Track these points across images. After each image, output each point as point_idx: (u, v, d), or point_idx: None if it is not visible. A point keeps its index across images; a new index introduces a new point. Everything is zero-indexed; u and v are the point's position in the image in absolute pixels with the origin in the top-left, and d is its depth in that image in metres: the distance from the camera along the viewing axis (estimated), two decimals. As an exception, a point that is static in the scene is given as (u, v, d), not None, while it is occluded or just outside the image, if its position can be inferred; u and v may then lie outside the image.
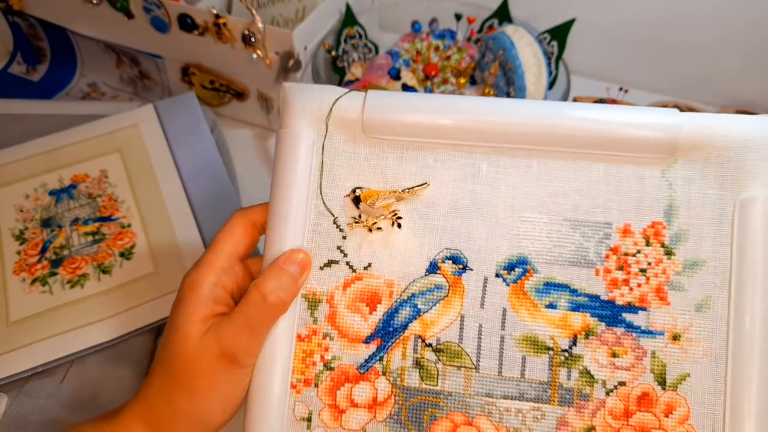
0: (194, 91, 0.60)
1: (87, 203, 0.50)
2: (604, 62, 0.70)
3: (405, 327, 0.32)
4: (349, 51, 0.61)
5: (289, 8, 0.63)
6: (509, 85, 0.52)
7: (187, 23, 0.55)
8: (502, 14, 0.61)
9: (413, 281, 0.32)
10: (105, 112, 0.55)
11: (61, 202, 0.50)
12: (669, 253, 0.31)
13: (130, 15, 0.58)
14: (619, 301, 0.31)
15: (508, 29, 0.53)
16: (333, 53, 0.59)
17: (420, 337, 0.32)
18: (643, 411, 0.30)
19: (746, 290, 0.29)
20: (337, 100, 0.33)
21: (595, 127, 0.30)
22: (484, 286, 0.32)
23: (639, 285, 0.31)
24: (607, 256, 0.31)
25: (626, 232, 0.31)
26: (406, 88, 0.54)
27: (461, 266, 0.32)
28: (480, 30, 0.62)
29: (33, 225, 0.48)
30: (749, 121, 0.30)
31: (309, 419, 0.32)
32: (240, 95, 0.62)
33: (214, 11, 0.53)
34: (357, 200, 0.32)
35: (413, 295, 0.32)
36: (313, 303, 0.32)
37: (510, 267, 0.32)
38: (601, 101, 0.65)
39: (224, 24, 0.53)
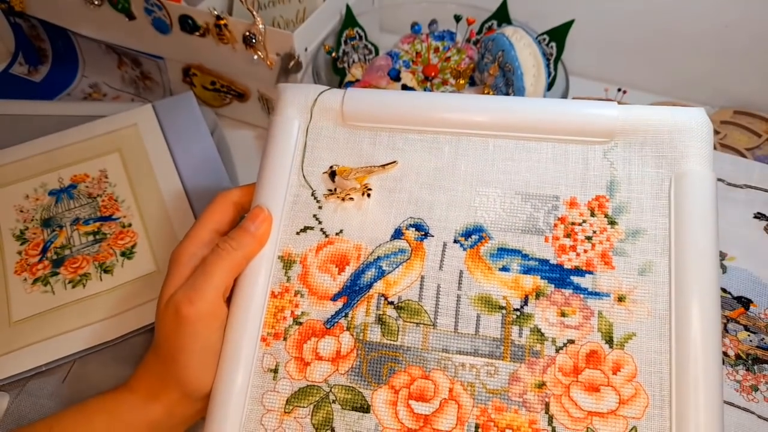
0: (194, 91, 0.60)
1: (87, 203, 0.50)
2: (602, 63, 0.70)
3: (370, 286, 0.35)
4: (350, 52, 0.61)
5: (289, 10, 0.63)
6: (508, 86, 0.52)
7: (188, 24, 0.55)
8: (501, 16, 0.61)
9: (379, 245, 0.35)
10: (106, 112, 0.55)
11: (61, 202, 0.50)
12: (612, 222, 0.34)
13: (131, 16, 0.58)
14: (567, 265, 0.34)
15: (507, 30, 0.53)
16: (333, 54, 0.59)
17: (383, 295, 0.34)
18: (592, 368, 0.32)
19: (685, 256, 0.32)
20: (321, 93, 0.38)
21: (544, 115, 0.35)
22: (443, 251, 0.35)
23: (585, 251, 0.34)
24: (555, 225, 0.34)
25: (573, 204, 0.35)
26: (405, 89, 0.54)
27: (423, 233, 0.35)
28: (479, 31, 0.62)
29: (33, 225, 0.49)
30: (680, 110, 0.35)
31: (275, 370, 0.34)
32: (241, 96, 0.62)
33: (215, 12, 0.53)
34: (332, 175, 0.37)
35: (379, 257, 0.35)
36: (287, 263, 0.36)
37: (467, 234, 0.35)
38: (600, 102, 0.65)
39: (225, 25, 0.54)
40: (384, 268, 0.35)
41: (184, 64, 0.62)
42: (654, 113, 0.35)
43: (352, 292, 0.35)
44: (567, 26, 0.56)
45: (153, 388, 0.33)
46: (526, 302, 0.33)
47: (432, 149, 0.37)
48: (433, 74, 0.56)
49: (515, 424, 0.31)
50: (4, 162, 0.51)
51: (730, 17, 0.61)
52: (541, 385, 0.32)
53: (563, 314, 0.33)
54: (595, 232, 0.34)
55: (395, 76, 0.54)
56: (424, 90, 0.56)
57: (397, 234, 0.35)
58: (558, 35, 0.56)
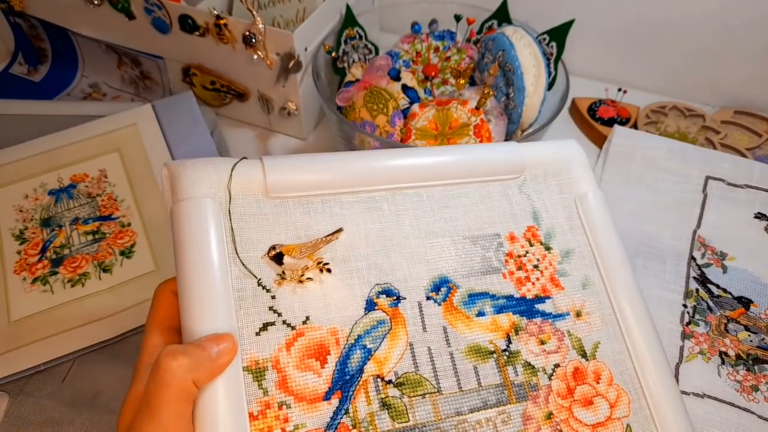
0: (194, 91, 0.60)
1: (87, 202, 0.50)
2: (603, 63, 0.70)
3: (361, 370, 0.31)
4: (350, 52, 0.61)
5: (289, 9, 0.63)
6: (508, 86, 0.52)
7: (188, 24, 0.55)
8: (502, 15, 0.61)
9: (356, 323, 0.32)
10: (106, 112, 0.55)
11: (61, 201, 0.50)
12: (548, 248, 0.37)
13: (131, 16, 0.58)
14: (528, 296, 0.35)
15: (508, 30, 0.53)
16: (333, 54, 0.59)
17: (378, 376, 0.31)
18: (580, 384, 0.34)
19: (608, 264, 0.37)
20: (235, 165, 0.33)
21: (459, 162, 0.37)
22: (420, 310, 0.33)
23: (537, 279, 0.36)
24: (506, 261, 0.36)
25: (513, 238, 0.37)
26: (406, 88, 0.54)
27: (395, 297, 0.33)
28: (479, 31, 0.62)
29: (33, 225, 0.49)
30: (558, 144, 0.40)
31: None
32: (241, 96, 0.62)
33: (215, 12, 0.53)
34: (278, 257, 0.32)
35: (359, 336, 0.32)
36: (257, 373, 0.29)
37: (436, 288, 0.34)
38: (599, 102, 0.65)
39: (225, 25, 0.54)
40: (368, 346, 0.31)
41: (184, 64, 0.61)
42: (544, 148, 0.40)
43: (345, 383, 0.30)
44: (567, 26, 0.56)
45: None
46: (509, 340, 0.34)
47: (371, 209, 0.35)
48: (433, 74, 0.56)
49: None
50: (3, 162, 0.51)
51: (730, 18, 0.61)
52: (549, 416, 0.32)
53: (542, 342, 0.34)
54: (539, 260, 0.37)
55: (395, 76, 0.54)
56: (425, 90, 0.56)
57: (370, 305, 0.32)
58: (558, 35, 0.56)
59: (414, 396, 0.31)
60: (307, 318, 0.31)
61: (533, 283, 0.36)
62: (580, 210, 0.38)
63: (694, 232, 0.51)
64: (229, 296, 0.30)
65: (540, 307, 0.35)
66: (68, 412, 0.40)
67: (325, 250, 0.33)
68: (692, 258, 0.50)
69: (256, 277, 0.31)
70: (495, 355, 0.33)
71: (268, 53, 0.54)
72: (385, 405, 0.30)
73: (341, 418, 0.30)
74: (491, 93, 0.50)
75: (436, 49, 0.59)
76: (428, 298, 0.34)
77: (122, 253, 0.47)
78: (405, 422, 0.30)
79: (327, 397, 0.30)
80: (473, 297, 0.35)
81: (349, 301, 0.32)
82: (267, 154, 0.61)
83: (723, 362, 0.44)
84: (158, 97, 0.65)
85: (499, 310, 0.35)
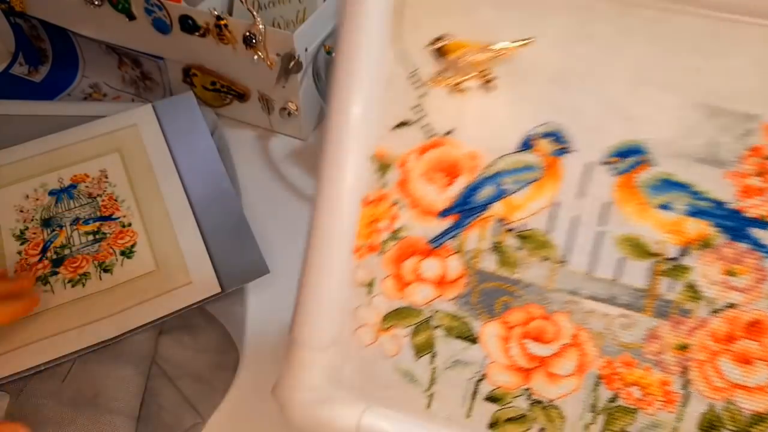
0: (194, 92, 0.60)
1: (87, 203, 0.50)
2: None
3: (486, 206, 0.28)
4: (350, 52, 0.61)
5: (289, 10, 0.64)
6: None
7: (188, 25, 0.56)
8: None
9: (501, 156, 0.28)
10: (106, 112, 0.56)
11: (62, 201, 0.50)
12: None
13: (131, 16, 0.58)
14: (749, 213, 0.26)
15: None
16: (334, 55, 0.59)
17: (503, 219, 0.28)
18: (751, 339, 0.26)
19: None
20: None
21: None
22: (586, 173, 0.27)
23: None
24: (744, 157, 0.26)
25: None
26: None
27: (562, 146, 0.27)
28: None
29: (33, 225, 0.49)
30: None
31: (370, 285, 0.29)
32: (241, 96, 0.62)
33: (216, 13, 0.54)
34: (440, 52, 0.27)
35: (500, 172, 0.28)
36: (382, 166, 0.29)
37: (621, 154, 0.27)
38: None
39: (225, 25, 0.54)
40: (506, 186, 0.28)
41: (185, 65, 0.62)
42: None
43: (464, 210, 0.28)
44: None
45: None
46: (685, 252, 0.27)
47: (583, 23, 0.26)
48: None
49: (644, 381, 0.27)
50: (4, 162, 0.52)
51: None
52: (684, 348, 0.27)
53: (730, 273, 0.26)
54: None
55: (395, 77, 0.54)
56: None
57: (527, 144, 0.28)
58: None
59: (532, 254, 0.28)
60: (451, 130, 0.28)
61: (765, 201, 0.26)
62: None
63: None
64: (378, 81, 0.28)
65: (757, 232, 0.26)
66: (68, 412, 0.40)
67: (501, 61, 0.27)
68: None
69: (411, 67, 0.28)
70: (655, 259, 0.27)
71: (268, 54, 0.54)
72: (496, 248, 0.28)
73: (447, 239, 0.29)
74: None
75: (436, 50, 0.59)
76: (604, 162, 0.27)
77: (123, 253, 0.47)
78: (510, 273, 0.28)
79: (442, 215, 0.29)
80: (667, 184, 0.26)
81: (505, 130, 0.27)
82: (268, 155, 0.62)
83: None
84: (159, 98, 0.65)
85: (695, 212, 0.26)
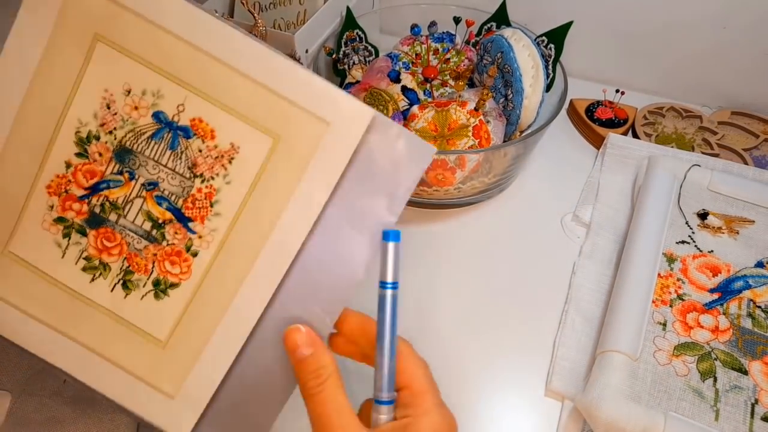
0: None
1: (181, 174, 0.31)
2: (601, 64, 0.70)
3: (740, 291, 0.45)
4: (350, 54, 0.61)
5: (290, 12, 0.64)
6: (507, 87, 0.52)
7: (189, 26, 0.56)
8: (500, 17, 0.62)
9: (745, 267, 0.47)
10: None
11: (159, 140, 0.31)
12: None
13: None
14: None
15: (506, 32, 0.53)
16: (334, 56, 0.60)
17: (752, 300, 0.45)
18: None
19: None
20: (689, 168, 0.53)
21: None
22: None
23: None
24: None
25: None
26: (405, 90, 0.55)
27: None
28: (478, 33, 0.63)
29: (107, 143, 0.31)
30: None
31: (664, 324, 0.44)
32: (241, 97, 0.62)
33: (217, 14, 0.54)
34: (704, 215, 0.50)
35: (746, 275, 0.46)
36: (670, 259, 0.48)
37: None
38: (597, 103, 0.66)
39: (226, 27, 0.54)
40: (751, 283, 0.46)
41: (185, 66, 0.62)
42: None
43: (726, 291, 0.45)
44: (566, 28, 0.56)
45: None
46: None
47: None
48: (432, 76, 0.56)
49: None
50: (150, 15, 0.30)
51: (729, 20, 0.61)
52: None
53: None
54: None
55: (395, 78, 0.54)
56: (424, 92, 0.56)
57: (760, 264, 0.47)
58: (557, 37, 0.57)
59: None
60: (712, 250, 0.48)
61: None
62: None
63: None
64: (666, 218, 0.50)
65: None
66: (70, 412, 0.40)
67: (738, 225, 0.50)
68: None
69: (686, 218, 0.50)
70: None
71: (268, 55, 0.54)
72: (750, 316, 0.44)
73: (716, 305, 0.45)
74: (490, 94, 0.51)
75: (436, 51, 0.60)
76: None
77: (157, 284, 0.32)
78: (763, 332, 0.43)
79: (711, 291, 0.46)
80: None
81: (746, 258, 0.48)
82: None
83: None
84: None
85: None
